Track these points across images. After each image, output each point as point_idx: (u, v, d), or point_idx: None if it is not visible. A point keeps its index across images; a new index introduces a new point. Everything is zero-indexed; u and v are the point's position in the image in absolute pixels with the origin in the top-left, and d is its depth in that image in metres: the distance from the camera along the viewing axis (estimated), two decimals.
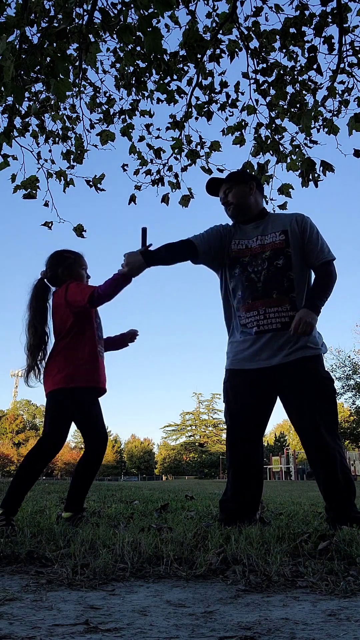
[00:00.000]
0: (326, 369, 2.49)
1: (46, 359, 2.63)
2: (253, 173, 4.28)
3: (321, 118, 4.15)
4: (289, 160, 4.18)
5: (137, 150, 4.48)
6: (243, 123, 4.33)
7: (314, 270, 2.54)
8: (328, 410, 2.34)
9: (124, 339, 2.97)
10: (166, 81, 4.10)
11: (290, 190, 4.18)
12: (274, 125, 4.28)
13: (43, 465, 2.46)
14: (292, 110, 4.18)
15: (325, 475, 2.29)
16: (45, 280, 2.76)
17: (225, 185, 2.65)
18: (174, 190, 4.53)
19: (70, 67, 3.51)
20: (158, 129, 4.44)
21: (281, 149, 4.25)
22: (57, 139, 4.50)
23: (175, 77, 4.10)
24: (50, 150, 4.53)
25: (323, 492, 2.33)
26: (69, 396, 2.51)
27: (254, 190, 2.64)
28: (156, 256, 2.48)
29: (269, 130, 4.31)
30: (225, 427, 2.61)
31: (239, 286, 2.53)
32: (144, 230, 2.53)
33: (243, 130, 4.34)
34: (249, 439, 2.47)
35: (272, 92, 4.20)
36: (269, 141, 4.30)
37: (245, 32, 4.06)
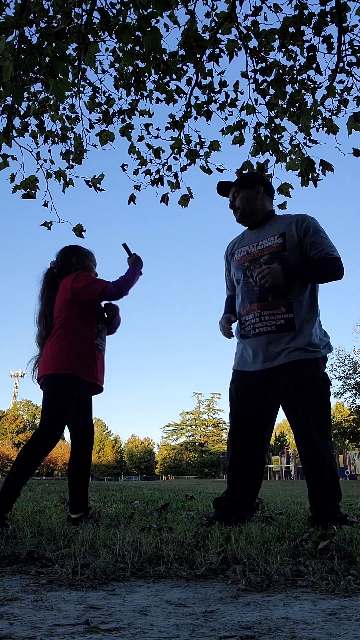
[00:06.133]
0: (325, 370, 2.47)
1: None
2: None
3: (320, 117, 4.15)
4: (288, 160, 4.18)
5: (137, 150, 4.48)
6: (242, 122, 4.33)
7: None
8: (320, 413, 2.34)
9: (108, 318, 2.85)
10: (165, 81, 4.10)
11: (289, 189, 4.18)
12: (273, 125, 4.28)
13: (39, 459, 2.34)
14: (292, 109, 4.18)
15: (312, 475, 2.31)
16: (54, 270, 2.78)
17: (234, 188, 2.69)
18: (173, 190, 4.53)
19: (69, 67, 3.50)
20: (157, 129, 4.44)
21: (280, 149, 4.25)
22: (56, 139, 4.50)
23: (174, 76, 4.10)
24: (49, 150, 4.52)
25: (309, 491, 2.35)
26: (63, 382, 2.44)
27: (261, 193, 2.65)
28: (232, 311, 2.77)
29: (268, 129, 4.31)
30: (228, 426, 2.65)
31: (241, 291, 2.60)
32: (125, 246, 2.87)
33: (242, 130, 4.34)
34: (250, 440, 2.48)
35: (272, 91, 4.20)
36: (268, 140, 4.29)
37: (245, 32, 4.06)
